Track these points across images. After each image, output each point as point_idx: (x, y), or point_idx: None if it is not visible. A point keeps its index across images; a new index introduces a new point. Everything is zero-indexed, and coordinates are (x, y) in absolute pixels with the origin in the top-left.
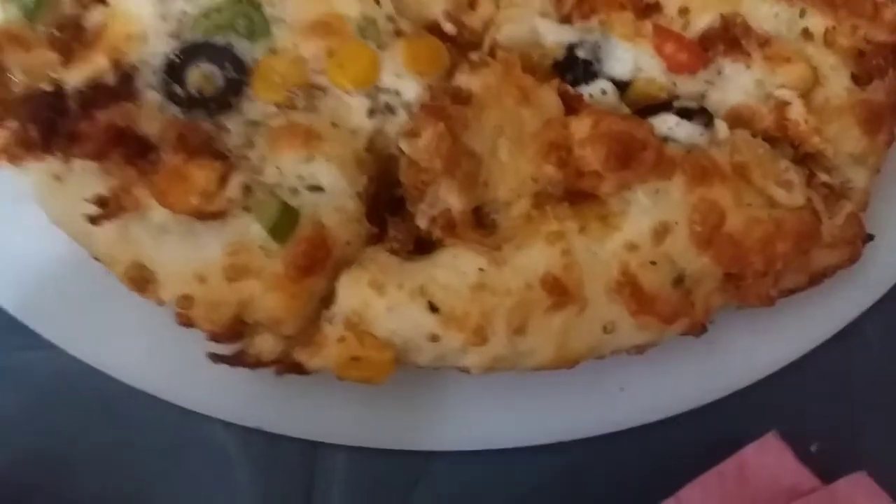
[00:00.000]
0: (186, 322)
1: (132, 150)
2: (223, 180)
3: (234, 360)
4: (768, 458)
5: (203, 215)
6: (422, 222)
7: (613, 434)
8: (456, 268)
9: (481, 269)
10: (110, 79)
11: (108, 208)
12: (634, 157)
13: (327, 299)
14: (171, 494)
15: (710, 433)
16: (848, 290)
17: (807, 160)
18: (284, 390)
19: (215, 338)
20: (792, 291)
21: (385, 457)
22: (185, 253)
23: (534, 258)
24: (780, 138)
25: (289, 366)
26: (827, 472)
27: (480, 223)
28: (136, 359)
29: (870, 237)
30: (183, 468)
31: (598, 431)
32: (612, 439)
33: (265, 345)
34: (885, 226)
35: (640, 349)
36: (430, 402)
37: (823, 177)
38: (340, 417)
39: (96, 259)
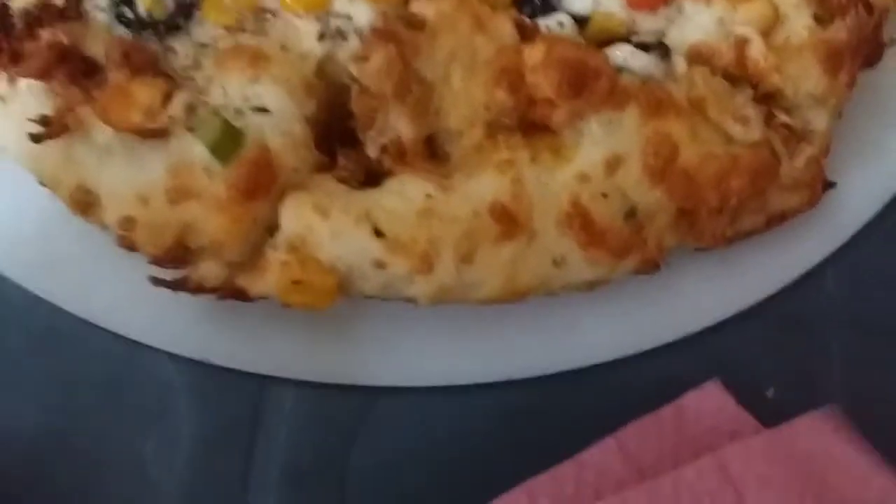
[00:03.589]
0: (128, 244)
1: (77, 69)
2: (167, 98)
3: (176, 285)
4: (708, 405)
5: (145, 133)
6: (372, 151)
7: (562, 373)
8: (403, 194)
9: (429, 196)
10: None
11: (51, 128)
12: (588, 85)
13: (273, 228)
14: (113, 427)
15: (662, 376)
16: (808, 237)
17: (767, 100)
18: (232, 322)
19: (157, 262)
20: (749, 234)
21: (333, 393)
22: (129, 175)
23: (483, 186)
24: (739, 77)
25: (231, 291)
26: (783, 417)
27: (433, 154)
28: (79, 287)
29: (831, 184)
30: (126, 401)
31: (547, 370)
32: (561, 379)
33: (208, 271)
34: (848, 174)
35: (591, 285)
36: (379, 337)
37: (783, 117)
38: (289, 351)
39: (42, 184)
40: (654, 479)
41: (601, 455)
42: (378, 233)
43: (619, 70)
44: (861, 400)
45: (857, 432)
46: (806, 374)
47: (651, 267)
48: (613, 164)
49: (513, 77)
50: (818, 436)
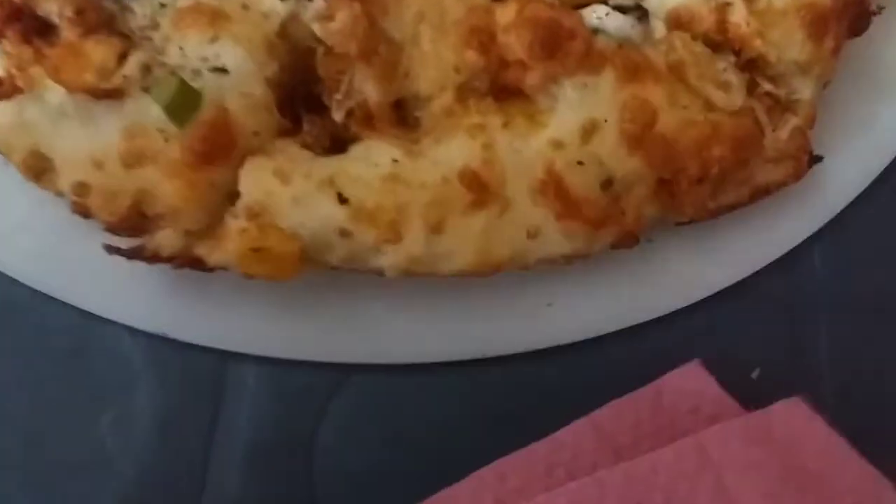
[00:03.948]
0: (82, 211)
1: (30, 27)
2: (121, 58)
3: (132, 254)
4: (688, 386)
5: (98, 93)
6: (338, 115)
7: (538, 352)
8: (368, 159)
9: (395, 161)
10: None
11: (2, 88)
12: (561, 46)
13: (234, 196)
14: (69, 401)
15: (641, 356)
16: (795, 213)
17: (750, 68)
18: (194, 296)
19: (113, 229)
20: (732, 207)
21: (299, 370)
22: (83, 138)
23: (453, 151)
24: (721, 43)
25: (188, 260)
26: (767, 398)
27: (402, 121)
28: (35, 258)
29: (818, 158)
30: (83, 375)
31: (522, 348)
32: (537, 357)
33: (165, 239)
34: (836, 149)
35: (567, 259)
36: (348, 313)
37: (767, 86)
38: (253, 326)
39: None
40: (630, 460)
41: (575, 436)
42: (342, 199)
43: (595, 32)
44: (849, 380)
45: (824, 420)
46: (793, 354)
47: (630, 240)
48: (589, 130)
49: (483, 37)
50: (795, 421)
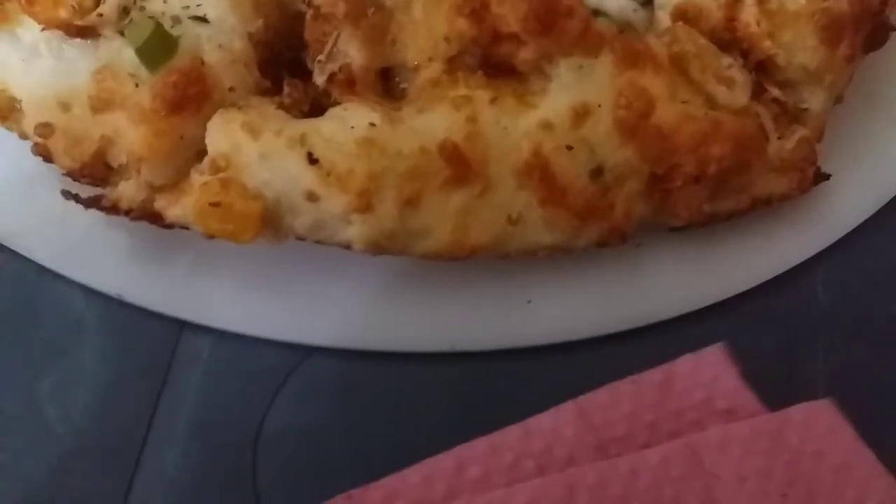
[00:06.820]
0: (44, 153)
1: None
2: None
3: (90, 202)
4: (705, 375)
5: (71, 30)
6: (319, 78)
7: (513, 350)
8: (344, 120)
9: (372, 125)
10: None
11: None
12: (557, 21)
13: (204, 154)
14: (8, 358)
15: (621, 366)
16: (797, 231)
17: (758, 71)
18: (157, 261)
19: (73, 175)
20: (730, 215)
21: (256, 346)
22: (53, 78)
23: (434, 121)
24: (728, 42)
25: (146, 214)
26: None
27: (388, 92)
28: None
29: (825, 176)
30: (27, 332)
31: (496, 345)
32: (510, 356)
33: (127, 191)
34: (846, 170)
35: (549, 251)
36: (313, 291)
37: (775, 92)
38: (213, 297)
39: None
40: (613, 455)
41: (555, 421)
42: (312, 159)
43: (595, 14)
44: (844, 408)
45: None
46: (786, 379)
47: (617, 237)
48: (581, 114)
49: (477, 5)
50: (814, 429)
